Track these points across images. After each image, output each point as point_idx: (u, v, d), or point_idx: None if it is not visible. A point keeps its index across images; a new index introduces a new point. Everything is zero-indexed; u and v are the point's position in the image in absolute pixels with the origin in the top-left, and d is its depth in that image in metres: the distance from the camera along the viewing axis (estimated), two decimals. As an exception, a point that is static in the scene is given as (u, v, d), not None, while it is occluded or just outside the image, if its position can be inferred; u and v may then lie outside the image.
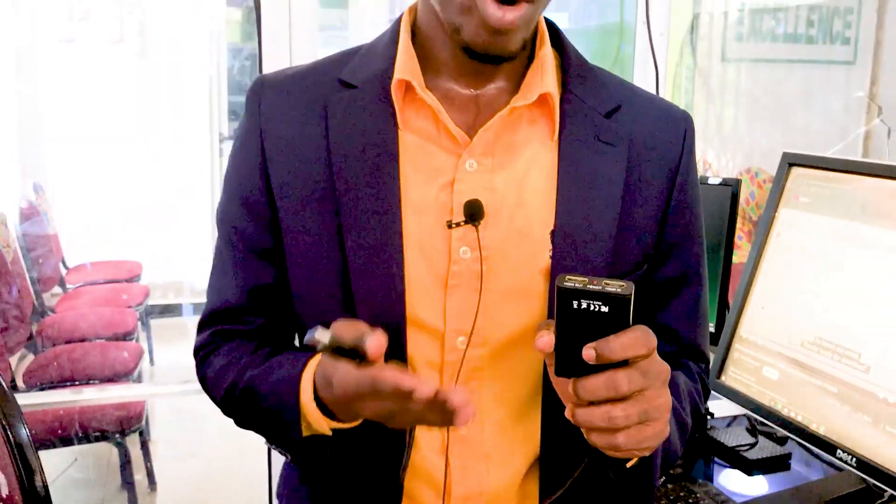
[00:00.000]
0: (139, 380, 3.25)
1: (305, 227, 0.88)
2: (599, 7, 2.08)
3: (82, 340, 3.45)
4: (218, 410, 0.97)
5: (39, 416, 2.14)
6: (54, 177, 4.96)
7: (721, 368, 1.31)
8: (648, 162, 0.91)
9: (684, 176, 0.93)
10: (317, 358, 0.82)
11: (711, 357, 1.10)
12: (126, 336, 3.59)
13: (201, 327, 0.97)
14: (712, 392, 1.31)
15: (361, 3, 5.43)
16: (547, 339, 0.70)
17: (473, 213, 0.83)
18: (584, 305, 0.67)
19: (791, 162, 1.28)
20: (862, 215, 1.15)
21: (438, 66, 0.87)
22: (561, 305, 0.68)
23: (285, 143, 0.88)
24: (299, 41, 1.67)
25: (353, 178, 0.85)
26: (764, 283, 1.27)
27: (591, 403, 0.69)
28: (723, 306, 1.54)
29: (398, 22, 0.90)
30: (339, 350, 0.71)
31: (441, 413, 0.68)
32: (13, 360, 3.22)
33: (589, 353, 0.67)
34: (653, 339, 0.68)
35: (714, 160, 4.30)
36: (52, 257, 4.36)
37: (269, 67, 1.64)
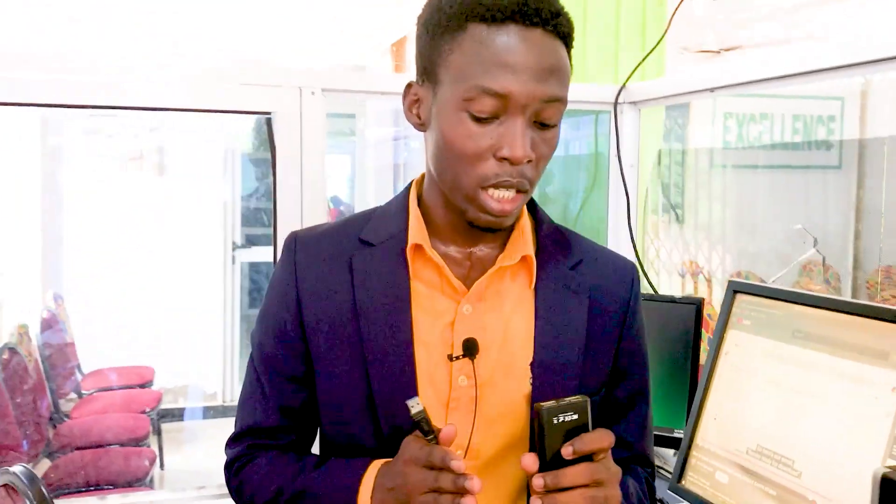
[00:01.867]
0: (151, 485, 3.37)
1: (336, 358, 1.07)
2: (578, 140, 2.31)
3: (98, 446, 3.58)
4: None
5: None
6: (72, 287, 5.16)
7: (681, 473, 1.46)
8: (604, 306, 1.12)
9: (632, 315, 1.14)
10: (376, 466, 1.01)
11: (673, 462, 1.27)
12: (139, 441, 3.72)
13: (233, 442, 1.15)
14: (675, 496, 1.46)
15: (368, 112, 5.75)
16: (531, 461, 0.92)
17: (470, 348, 1.03)
18: (561, 419, 0.92)
19: (735, 289, 1.47)
20: (793, 338, 1.32)
21: (441, 230, 1.08)
22: (544, 422, 0.92)
23: (317, 289, 1.08)
24: (309, 153, 1.87)
25: (375, 318, 1.05)
26: (715, 397, 1.44)
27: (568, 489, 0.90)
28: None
29: (407, 191, 1.12)
30: (423, 421, 0.93)
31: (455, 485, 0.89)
32: (31, 466, 3.34)
33: (568, 449, 0.90)
34: (612, 437, 0.92)
35: (705, 263, 4.49)
36: (68, 364, 4.53)
37: (282, 174, 1.84)
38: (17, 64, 1.73)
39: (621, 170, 2.09)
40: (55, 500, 1.58)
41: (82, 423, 3.91)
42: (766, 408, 1.33)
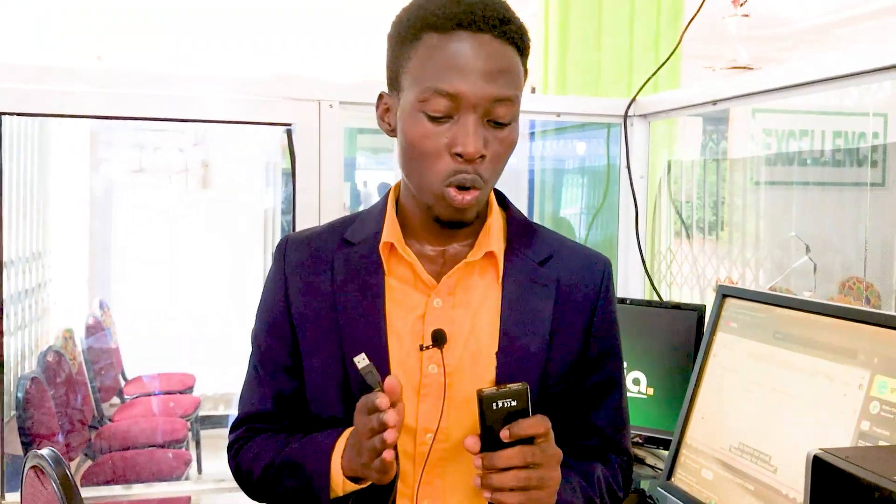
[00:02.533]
0: (185, 485, 3.48)
1: (318, 349, 1.16)
2: (592, 154, 2.37)
3: (136, 448, 3.72)
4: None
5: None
6: (118, 295, 5.34)
7: (671, 471, 1.51)
8: (572, 298, 1.18)
9: (603, 307, 1.20)
10: (346, 434, 1.09)
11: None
12: (176, 444, 3.85)
13: (235, 426, 1.25)
14: (667, 495, 1.51)
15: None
16: (472, 442, 1.00)
17: (438, 339, 1.10)
18: (501, 404, 0.98)
19: (724, 293, 1.52)
20: (774, 340, 1.37)
21: (415, 230, 1.16)
22: (484, 407, 0.98)
23: (302, 287, 1.18)
24: (327, 163, 1.96)
25: (352, 311, 1.14)
26: (703, 397, 1.49)
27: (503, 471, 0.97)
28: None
29: (387, 195, 1.20)
30: (368, 375, 1.01)
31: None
32: (72, 465, 3.49)
33: (505, 433, 0.97)
34: (548, 423, 0.98)
35: (738, 279, 4.48)
36: (112, 370, 4.68)
37: (302, 183, 1.94)
38: (66, 79, 1.87)
39: (630, 181, 2.14)
40: (84, 490, 1.68)
41: (122, 427, 4.05)
42: (748, 406, 1.38)
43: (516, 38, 1.05)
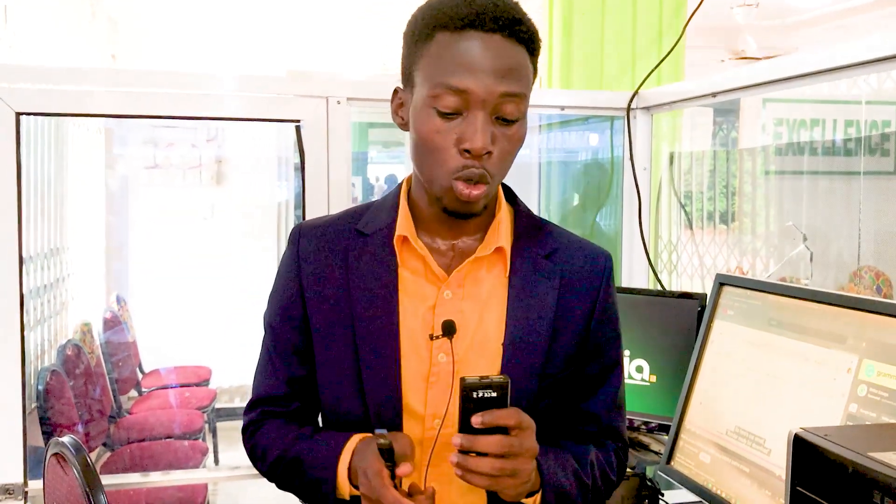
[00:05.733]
0: (202, 475, 3.55)
1: (331, 335, 1.21)
2: (596, 146, 2.41)
3: (154, 439, 3.79)
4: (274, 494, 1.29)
5: (112, 498, 2.44)
6: (135, 289, 5.41)
7: (670, 455, 1.55)
8: (575, 290, 1.23)
9: (604, 299, 1.25)
10: (352, 444, 1.15)
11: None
12: (192, 435, 3.92)
13: (249, 409, 1.30)
14: (668, 479, 1.56)
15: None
16: (457, 441, 1.03)
17: (448, 329, 1.15)
18: (481, 394, 1.02)
19: (721, 282, 1.56)
20: (768, 326, 1.41)
21: (427, 223, 1.21)
22: (464, 394, 1.03)
23: (316, 274, 1.22)
24: (336, 158, 2.01)
25: (366, 301, 1.19)
26: (701, 383, 1.53)
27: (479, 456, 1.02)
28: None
29: (399, 188, 1.25)
30: (386, 451, 1.06)
31: None
32: (92, 455, 3.56)
33: (477, 419, 1.01)
34: (520, 416, 1.03)
35: (749, 270, 4.50)
36: (130, 363, 4.76)
37: (311, 177, 1.99)
38: (81, 79, 1.93)
39: (634, 173, 2.18)
40: (104, 478, 1.74)
41: (140, 419, 4.13)
42: (744, 391, 1.42)
43: (526, 39, 1.09)
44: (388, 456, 1.06)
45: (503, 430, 1.02)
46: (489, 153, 1.08)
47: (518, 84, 1.08)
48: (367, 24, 5.77)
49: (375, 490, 1.04)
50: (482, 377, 1.02)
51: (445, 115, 1.08)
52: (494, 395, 1.01)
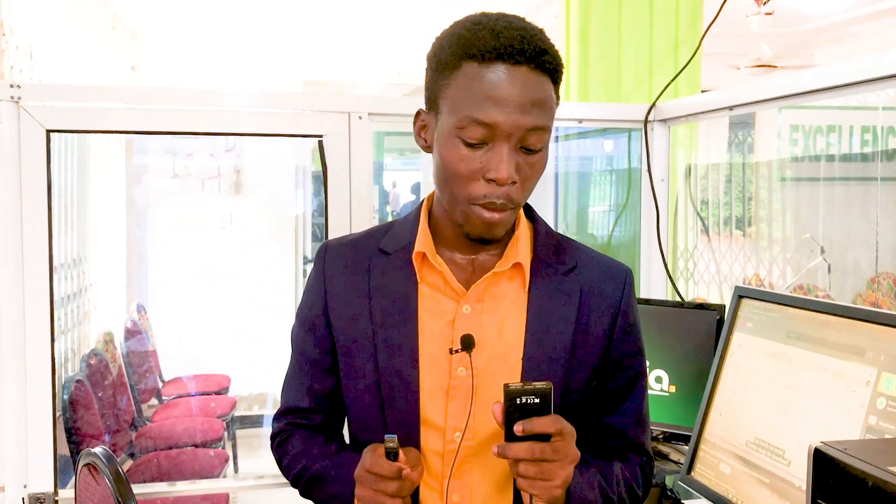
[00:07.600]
0: (223, 483, 3.58)
1: (353, 350, 1.25)
2: (615, 157, 2.44)
3: (175, 447, 3.84)
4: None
5: (138, 510, 2.48)
6: (155, 298, 5.47)
7: (690, 466, 1.57)
8: (595, 306, 1.25)
9: (625, 313, 1.27)
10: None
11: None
12: (212, 443, 3.96)
13: (277, 418, 1.35)
14: (688, 489, 1.58)
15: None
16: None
17: (467, 343, 1.18)
18: (524, 400, 1.06)
19: (740, 294, 1.58)
20: (787, 339, 1.43)
21: (447, 239, 1.24)
22: (508, 401, 1.06)
23: (340, 292, 1.26)
24: (357, 171, 2.05)
25: (387, 317, 1.22)
26: (721, 394, 1.55)
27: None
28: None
29: (420, 206, 1.28)
30: (392, 453, 1.10)
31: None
32: (115, 463, 3.60)
33: (518, 427, 1.05)
34: (561, 424, 1.06)
35: (766, 276, 4.50)
36: (150, 371, 4.81)
37: (333, 190, 2.03)
38: (105, 96, 1.97)
39: (651, 184, 2.20)
40: (136, 485, 1.78)
41: (161, 427, 4.18)
42: (763, 403, 1.44)
43: (551, 69, 1.11)
44: (393, 458, 1.10)
45: (546, 437, 1.06)
46: (513, 182, 1.11)
47: (543, 117, 1.10)
48: (382, 32, 5.83)
49: (372, 467, 1.10)
50: (525, 384, 1.06)
51: (471, 146, 1.10)
52: (537, 401, 1.05)
